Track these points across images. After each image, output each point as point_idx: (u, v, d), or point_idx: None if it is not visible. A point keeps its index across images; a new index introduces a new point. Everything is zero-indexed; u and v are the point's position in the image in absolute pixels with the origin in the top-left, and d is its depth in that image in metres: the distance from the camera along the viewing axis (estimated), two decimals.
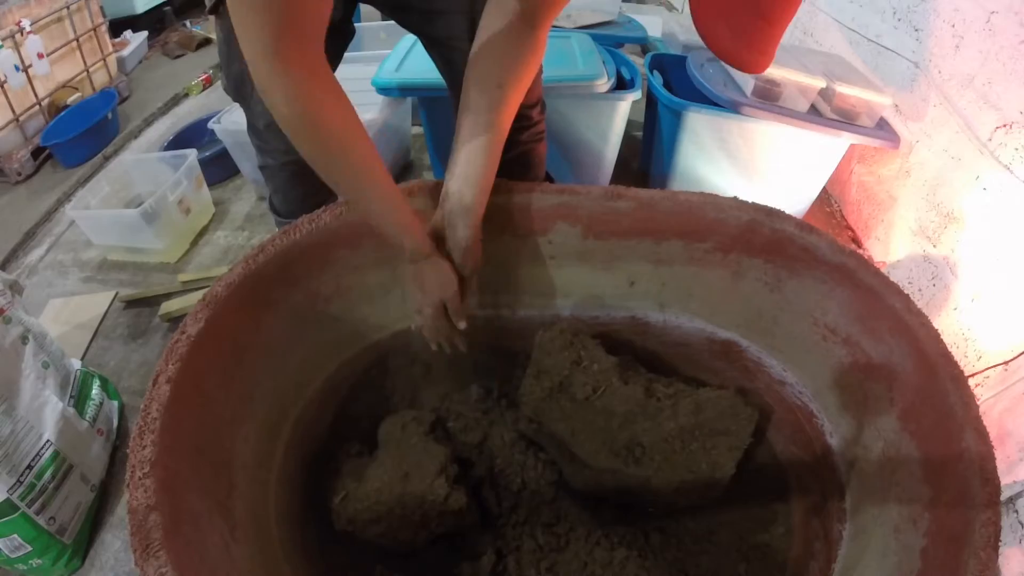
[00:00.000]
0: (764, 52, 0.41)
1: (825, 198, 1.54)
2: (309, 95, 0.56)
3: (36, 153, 1.84)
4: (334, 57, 0.90)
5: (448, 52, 0.86)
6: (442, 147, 1.48)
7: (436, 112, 1.40)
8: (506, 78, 0.69)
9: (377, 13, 0.90)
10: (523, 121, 0.92)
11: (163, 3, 2.86)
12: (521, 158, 0.94)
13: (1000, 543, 0.52)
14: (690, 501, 0.79)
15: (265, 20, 0.51)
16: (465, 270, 0.74)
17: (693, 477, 0.77)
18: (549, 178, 1.15)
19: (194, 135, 1.83)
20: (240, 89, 0.86)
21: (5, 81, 1.72)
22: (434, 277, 0.72)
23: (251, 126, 0.92)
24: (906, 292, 0.70)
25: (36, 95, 1.86)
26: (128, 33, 2.58)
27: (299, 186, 0.97)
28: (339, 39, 0.88)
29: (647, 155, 1.57)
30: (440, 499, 0.74)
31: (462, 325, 0.76)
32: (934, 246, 1.10)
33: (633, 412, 0.79)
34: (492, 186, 0.73)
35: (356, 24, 0.92)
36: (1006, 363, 0.89)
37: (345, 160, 0.62)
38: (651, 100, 1.43)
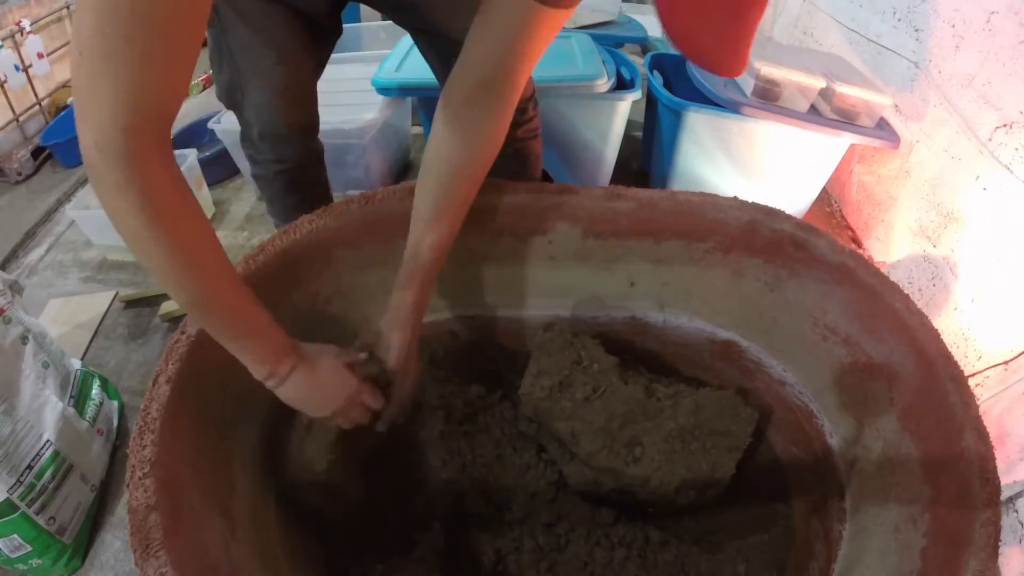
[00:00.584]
0: (740, 54, 0.39)
1: (825, 198, 1.54)
2: (142, 192, 0.44)
3: (36, 153, 1.84)
4: (322, 55, 0.90)
5: (445, 51, 0.86)
6: None
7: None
8: (442, 182, 0.66)
9: (377, 13, 0.89)
10: (517, 116, 0.90)
11: None
12: (517, 155, 0.93)
13: (1000, 543, 0.52)
14: (689, 501, 0.79)
15: (115, 92, 0.39)
16: (394, 377, 0.70)
17: (693, 477, 0.77)
18: (547, 177, 1.15)
19: (194, 135, 1.83)
20: (232, 96, 0.86)
21: (5, 81, 1.72)
22: (313, 395, 0.63)
23: (244, 135, 0.92)
24: (906, 292, 0.70)
25: (36, 95, 1.86)
26: None
27: (294, 195, 0.97)
28: (326, 37, 0.88)
29: (647, 155, 1.56)
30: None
31: (380, 428, 0.71)
32: (934, 246, 1.10)
33: (633, 412, 0.79)
34: (425, 305, 0.72)
35: (356, 24, 0.92)
36: (1006, 363, 0.89)
37: (164, 279, 0.49)
38: (651, 100, 1.43)
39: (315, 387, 0.62)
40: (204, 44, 0.57)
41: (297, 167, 0.95)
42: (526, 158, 0.96)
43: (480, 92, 0.61)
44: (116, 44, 0.38)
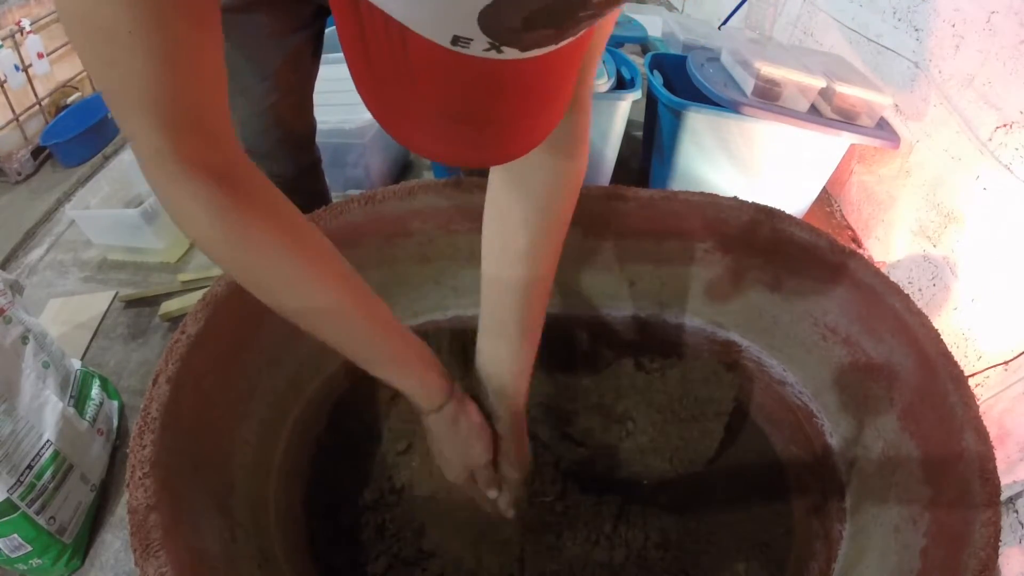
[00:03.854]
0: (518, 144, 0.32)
1: (825, 198, 1.54)
2: (228, 212, 0.38)
3: (36, 153, 1.84)
4: (313, 63, 0.88)
5: None
6: None
7: None
8: (536, 206, 0.51)
9: None
10: None
11: None
12: None
13: (1000, 543, 0.52)
14: (684, 469, 0.81)
15: (149, 107, 0.33)
16: (509, 471, 0.62)
17: (684, 444, 0.80)
18: None
19: None
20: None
21: (5, 81, 1.72)
22: (454, 441, 0.56)
23: None
24: (906, 292, 0.70)
25: (36, 95, 1.85)
26: None
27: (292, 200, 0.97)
28: (316, 40, 0.86)
29: (647, 155, 1.56)
30: None
31: (492, 494, 0.62)
32: (934, 246, 1.10)
33: (624, 387, 0.81)
34: (532, 363, 0.59)
35: None
36: (1006, 363, 0.89)
37: (295, 298, 0.44)
38: (651, 100, 1.43)
39: (458, 432, 0.56)
40: None
41: (290, 180, 0.94)
42: None
43: None
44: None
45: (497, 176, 0.50)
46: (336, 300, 0.45)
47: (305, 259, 0.43)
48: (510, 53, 0.25)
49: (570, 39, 0.26)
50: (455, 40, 0.24)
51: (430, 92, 0.28)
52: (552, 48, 0.25)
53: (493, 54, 0.24)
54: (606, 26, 0.42)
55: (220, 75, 0.36)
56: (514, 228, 0.51)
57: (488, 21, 0.22)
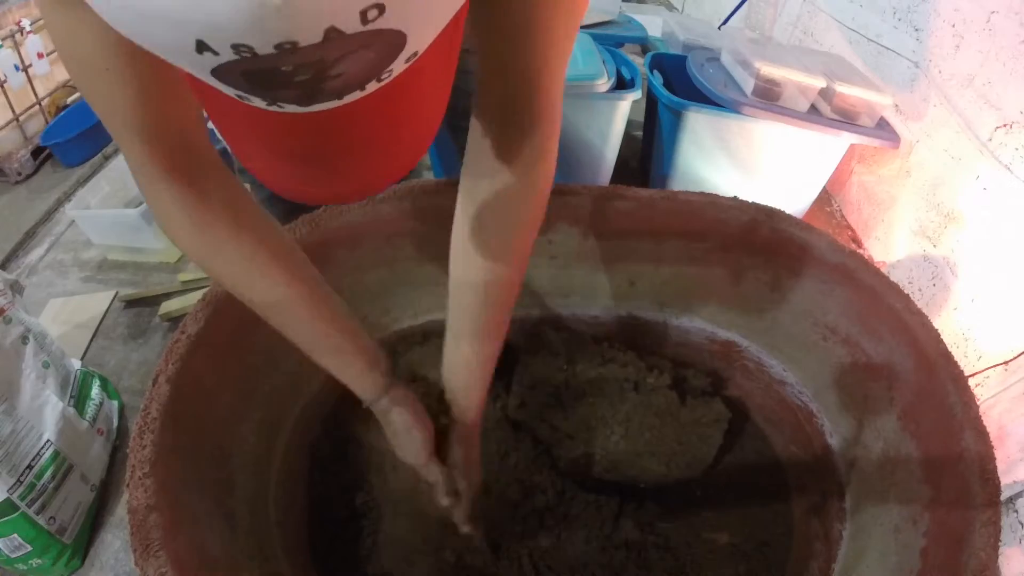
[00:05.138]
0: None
1: (825, 198, 1.54)
2: (195, 213, 0.44)
3: (36, 153, 1.84)
4: None
5: None
6: (442, 146, 1.48)
7: None
8: (500, 215, 0.51)
9: None
10: None
11: None
12: None
13: (1000, 543, 0.52)
14: (681, 473, 0.80)
15: (130, 126, 0.39)
16: (459, 482, 0.62)
17: (682, 449, 0.79)
18: None
19: None
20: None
21: (5, 81, 1.72)
22: (389, 435, 0.59)
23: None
24: (906, 292, 0.70)
25: (36, 95, 1.85)
26: None
27: (279, 204, 0.97)
28: None
29: (647, 155, 1.56)
30: None
31: (443, 502, 0.63)
32: (934, 246, 1.10)
33: (625, 389, 0.81)
34: (490, 373, 0.59)
35: None
36: (1006, 363, 0.89)
37: (250, 290, 0.49)
38: (651, 100, 1.43)
39: (397, 428, 0.58)
40: None
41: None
42: None
43: (507, 125, 0.46)
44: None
45: (464, 183, 0.51)
46: (284, 294, 0.49)
47: (261, 257, 0.47)
48: (290, 108, 0.26)
49: (355, 96, 0.26)
50: (240, 96, 0.25)
51: (253, 130, 0.29)
52: (338, 103, 0.26)
53: (276, 108, 0.26)
54: (541, 42, 0.41)
55: (190, 93, 0.40)
56: (478, 235, 0.52)
57: (220, 79, 0.23)
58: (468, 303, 0.55)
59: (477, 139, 0.47)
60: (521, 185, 0.49)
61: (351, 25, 0.21)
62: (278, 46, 0.21)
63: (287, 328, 0.52)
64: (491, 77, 0.44)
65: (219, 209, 0.44)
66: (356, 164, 0.33)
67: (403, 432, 0.58)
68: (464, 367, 0.59)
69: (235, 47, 0.21)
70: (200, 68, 0.23)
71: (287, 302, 0.50)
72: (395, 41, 0.24)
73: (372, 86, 0.26)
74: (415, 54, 0.26)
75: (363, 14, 0.21)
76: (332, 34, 0.21)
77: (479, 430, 0.63)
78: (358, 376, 0.55)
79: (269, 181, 0.33)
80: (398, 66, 0.26)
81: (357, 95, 0.26)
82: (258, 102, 0.26)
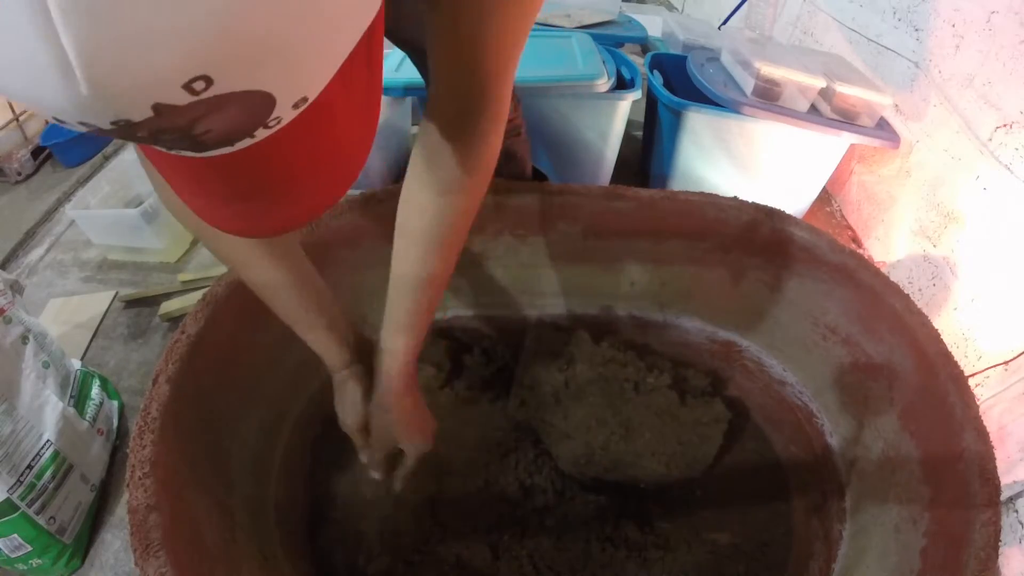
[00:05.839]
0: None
1: (825, 198, 1.54)
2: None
3: (36, 153, 1.84)
4: None
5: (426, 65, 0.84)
6: None
7: None
8: (442, 193, 0.54)
9: None
10: None
11: None
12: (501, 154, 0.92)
13: (1000, 543, 0.52)
14: (681, 473, 0.80)
15: None
16: (397, 436, 0.66)
17: (682, 449, 0.79)
18: (539, 176, 1.14)
19: None
20: None
21: None
22: (337, 403, 0.67)
23: None
24: (906, 292, 0.70)
25: None
26: None
27: None
28: None
29: (647, 155, 1.56)
30: None
31: (362, 457, 0.68)
32: (934, 246, 1.10)
33: (625, 389, 0.81)
34: (420, 338, 0.63)
35: None
36: (1006, 363, 0.89)
37: (249, 272, 0.57)
38: (651, 100, 1.43)
39: (344, 397, 0.66)
40: None
41: None
42: (512, 157, 0.94)
43: (457, 117, 0.49)
44: None
45: (408, 174, 0.56)
46: (275, 277, 0.57)
47: (260, 245, 0.54)
48: (188, 154, 0.25)
49: (248, 142, 0.25)
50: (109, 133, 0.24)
51: (177, 171, 0.30)
52: (233, 148, 0.26)
53: (180, 154, 0.26)
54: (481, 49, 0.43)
55: None
56: (415, 228, 0.58)
57: (119, 134, 0.23)
58: (405, 288, 0.62)
59: (425, 139, 0.51)
60: (462, 177, 0.53)
61: (179, 98, 0.21)
62: (114, 123, 0.21)
63: (275, 304, 0.60)
64: (441, 84, 0.46)
65: None
66: (290, 193, 0.33)
67: (349, 403, 0.65)
68: (393, 340, 0.62)
69: (82, 123, 0.21)
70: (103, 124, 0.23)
71: (276, 284, 0.58)
72: (257, 100, 0.23)
73: (262, 133, 0.25)
74: (304, 100, 0.25)
75: (188, 87, 0.21)
76: (162, 109, 0.21)
77: (414, 381, 0.65)
78: (326, 349, 0.63)
79: (212, 220, 0.33)
80: (285, 114, 0.25)
81: (249, 142, 0.26)
82: (160, 147, 0.25)
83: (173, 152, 0.26)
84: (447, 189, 0.54)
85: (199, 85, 0.21)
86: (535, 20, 0.45)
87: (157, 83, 0.20)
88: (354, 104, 0.32)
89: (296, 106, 0.25)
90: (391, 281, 0.62)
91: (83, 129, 0.22)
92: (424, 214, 0.56)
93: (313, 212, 0.35)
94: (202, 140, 0.24)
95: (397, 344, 0.62)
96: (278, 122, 0.25)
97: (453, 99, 0.47)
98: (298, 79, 0.24)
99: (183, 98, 0.21)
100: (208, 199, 0.32)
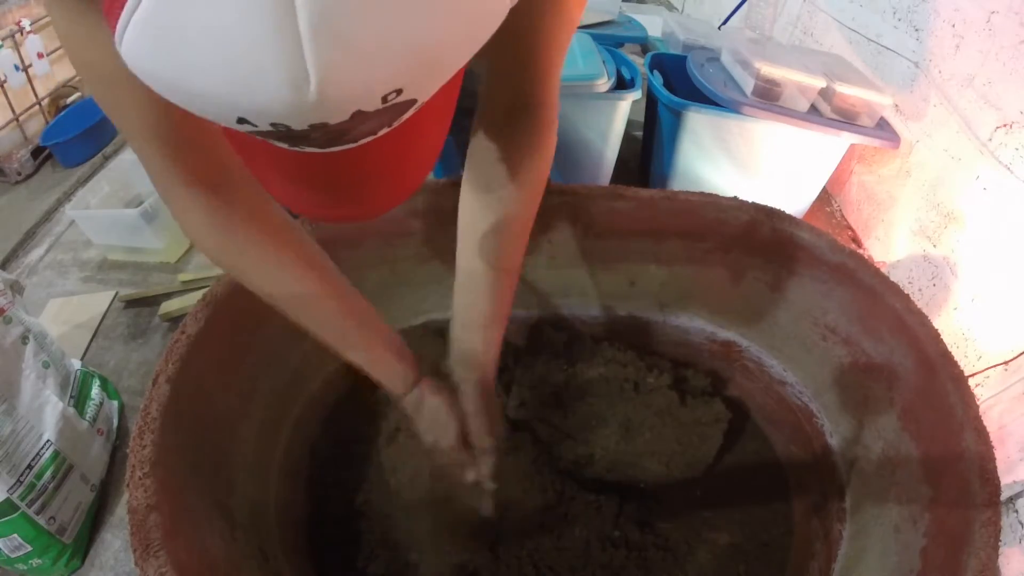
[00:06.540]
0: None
1: (825, 198, 1.54)
2: (217, 215, 0.44)
3: (36, 153, 1.84)
4: None
5: None
6: (444, 147, 1.48)
7: None
8: (506, 185, 0.53)
9: None
10: None
11: None
12: None
13: (1000, 543, 0.52)
14: (681, 473, 0.80)
15: (150, 135, 0.39)
16: (481, 440, 0.60)
17: (682, 449, 0.79)
18: None
19: None
20: None
21: (5, 81, 1.71)
22: (423, 423, 0.59)
23: None
24: (906, 292, 0.70)
25: (36, 95, 1.85)
26: None
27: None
28: None
29: (647, 155, 1.56)
30: None
31: (470, 476, 0.62)
32: (934, 246, 1.10)
33: (625, 389, 0.81)
34: (502, 332, 0.59)
35: None
36: (1006, 363, 0.89)
37: (275, 287, 0.50)
38: (651, 100, 1.43)
39: (425, 415, 0.59)
40: None
41: None
42: None
43: (511, 126, 0.50)
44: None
45: (466, 175, 0.54)
46: (311, 291, 0.50)
47: (286, 256, 0.48)
48: (309, 150, 0.28)
49: (368, 139, 0.28)
50: (264, 134, 0.27)
51: (271, 161, 0.32)
52: (354, 145, 0.28)
53: (297, 149, 0.28)
54: (555, 36, 0.46)
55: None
56: (481, 222, 0.54)
57: (286, 136, 0.26)
58: (478, 288, 0.57)
59: (481, 138, 0.51)
60: (520, 176, 0.52)
61: (373, 105, 0.24)
62: (312, 126, 0.24)
63: (317, 325, 0.52)
64: (497, 84, 0.48)
65: (243, 214, 0.45)
66: (367, 191, 0.35)
67: (441, 421, 0.58)
68: (478, 338, 0.59)
69: (273, 124, 0.24)
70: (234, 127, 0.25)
71: (315, 300, 0.51)
72: (408, 106, 0.27)
73: (383, 131, 0.28)
74: (416, 102, 0.28)
75: (384, 97, 0.24)
76: (357, 115, 0.25)
77: (494, 386, 0.63)
78: (389, 370, 0.56)
79: (286, 204, 0.35)
80: (407, 115, 0.28)
81: (370, 139, 0.29)
82: (281, 145, 0.27)
83: (294, 149, 0.28)
84: (512, 185, 0.53)
85: (392, 96, 0.24)
86: (576, 28, 0.48)
87: (367, 94, 0.24)
88: (439, 108, 0.35)
89: (415, 109, 0.28)
90: (461, 282, 0.58)
91: (265, 128, 0.24)
92: (486, 218, 0.54)
93: (388, 206, 0.37)
94: (344, 139, 0.27)
95: (486, 337, 0.59)
96: (399, 122, 0.28)
97: (505, 100, 0.49)
98: (435, 87, 0.27)
99: (376, 105, 0.25)
100: (298, 188, 0.34)
